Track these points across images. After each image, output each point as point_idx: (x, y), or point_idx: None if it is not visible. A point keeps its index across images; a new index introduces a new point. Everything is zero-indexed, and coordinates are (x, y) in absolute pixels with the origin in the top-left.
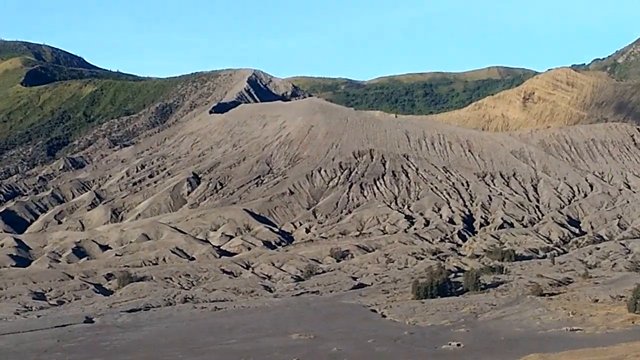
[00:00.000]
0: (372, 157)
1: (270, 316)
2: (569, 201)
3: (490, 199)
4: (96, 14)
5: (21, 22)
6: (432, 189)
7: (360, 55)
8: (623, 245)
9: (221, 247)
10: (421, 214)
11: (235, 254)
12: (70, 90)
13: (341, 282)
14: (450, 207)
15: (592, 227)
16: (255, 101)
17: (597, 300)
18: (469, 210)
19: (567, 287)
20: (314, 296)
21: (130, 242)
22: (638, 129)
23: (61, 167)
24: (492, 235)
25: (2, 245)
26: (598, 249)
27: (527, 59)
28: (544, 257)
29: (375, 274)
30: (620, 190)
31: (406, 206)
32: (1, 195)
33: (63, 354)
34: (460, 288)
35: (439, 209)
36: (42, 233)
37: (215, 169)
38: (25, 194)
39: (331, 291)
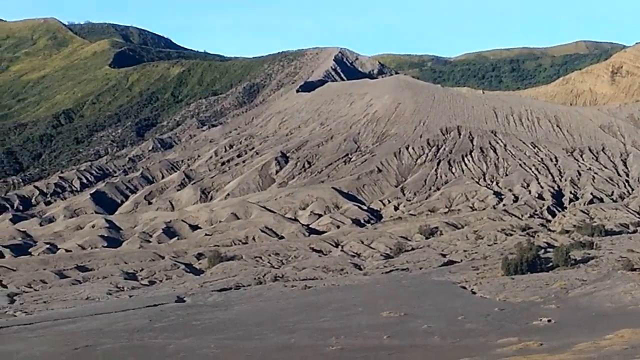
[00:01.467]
0: (459, 134)
1: (360, 294)
2: None
3: (579, 174)
4: None
5: (109, 4)
6: (520, 164)
7: (446, 32)
8: None
9: (310, 226)
10: (510, 190)
11: (324, 232)
12: (158, 72)
13: (430, 259)
14: (539, 183)
15: None
16: (342, 79)
17: None
18: (558, 186)
19: None
20: (404, 273)
21: (220, 221)
22: None
23: (150, 148)
24: (582, 211)
25: (93, 227)
26: None
27: (615, 32)
28: (635, 231)
29: (464, 251)
30: None
31: (495, 182)
32: (91, 176)
33: (155, 333)
34: (550, 264)
35: (528, 185)
36: (132, 214)
37: (303, 147)
38: (115, 175)
39: (420, 268)
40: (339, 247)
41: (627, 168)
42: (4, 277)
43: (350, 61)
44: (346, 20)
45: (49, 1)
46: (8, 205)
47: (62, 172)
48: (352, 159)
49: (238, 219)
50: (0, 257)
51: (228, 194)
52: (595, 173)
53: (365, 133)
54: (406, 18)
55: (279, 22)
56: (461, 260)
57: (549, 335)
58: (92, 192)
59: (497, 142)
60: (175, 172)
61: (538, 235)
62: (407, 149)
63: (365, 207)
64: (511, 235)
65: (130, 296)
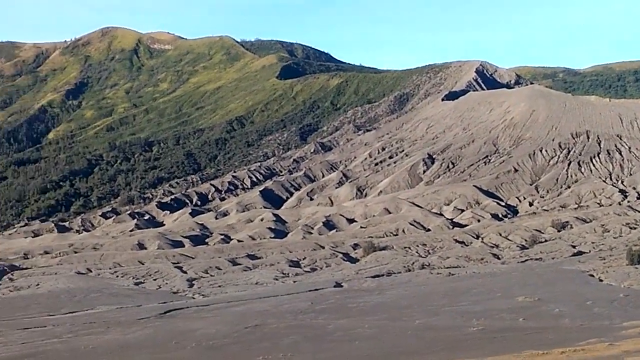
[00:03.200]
0: (588, 138)
1: (498, 281)
2: None
3: None
4: (340, 15)
5: (276, 23)
6: None
7: (576, 46)
8: None
9: (454, 220)
10: (634, 188)
11: (466, 225)
12: (319, 83)
13: (561, 250)
14: None
15: None
16: (483, 89)
17: None
18: None
19: None
20: (537, 263)
21: (373, 215)
22: None
23: (312, 150)
24: None
25: (262, 220)
26: None
27: None
28: None
29: (592, 243)
30: None
31: (620, 181)
32: (260, 175)
33: (316, 315)
34: None
35: None
36: (296, 208)
37: (447, 150)
38: (281, 174)
39: (552, 258)
40: (480, 238)
41: None
42: (184, 264)
43: (490, 73)
44: (487, 35)
45: (223, 20)
46: (188, 201)
47: (234, 172)
48: (491, 160)
49: (389, 213)
50: (181, 247)
51: (381, 191)
52: None
53: (503, 137)
54: (541, 33)
55: (427, 38)
56: (589, 251)
57: None
58: (261, 189)
59: (622, 145)
60: (334, 171)
61: None
62: (541, 151)
63: (503, 203)
64: (635, 228)
65: (294, 281)
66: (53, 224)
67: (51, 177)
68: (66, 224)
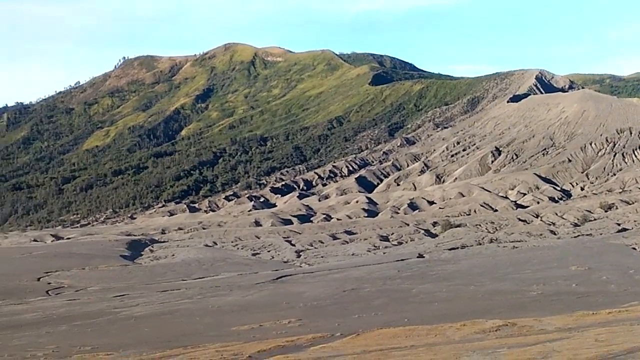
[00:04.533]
0: (631, 133)
1: (554, 253)
2: None
3: None
4: (422, 32)
5: (368, 39)
6: None
7: (622, 56)
8: None
9: (517, 202)
10: None
11: (527, 206)
12: (404, 88)
13: (608, 227)
14: None
15: None
16: (541, 93)
17: None
18: None
19: None
20: (588, 238)
21: (450, 198)
22: None
23: (398, 144)
24: None
25: (357, 202)
26: None
27: None
28: None
29: (634, 221)
30: None
31: None
32: (356, 165)
33: (402, 280)
34: None
35: None
36: (385, 192)
37: (511, 143)
38: (372, 164)
39: (600, 234)
40: (539, 217)
41: None
42: (293, 238)
43: (547, 79)
44: (545, 48)
45: (325, 36)
46: (295, 186)
47: (334, 162)
48: (548, 152)
49: (463, 196)
50: (290, 224)
51: (456, 178)
52: None
53: (559, 133)
54: (591, 45)
55: (494, 51)
56: (632, 228)
57: None
58: (356, 176)
59: None
60: (417, 162)
61: None
62: (591, 144)
63: (559, 188)
64: None
65: (384, 253)
66: (185, 205)
67: (183, 167)
68: (196, 205)
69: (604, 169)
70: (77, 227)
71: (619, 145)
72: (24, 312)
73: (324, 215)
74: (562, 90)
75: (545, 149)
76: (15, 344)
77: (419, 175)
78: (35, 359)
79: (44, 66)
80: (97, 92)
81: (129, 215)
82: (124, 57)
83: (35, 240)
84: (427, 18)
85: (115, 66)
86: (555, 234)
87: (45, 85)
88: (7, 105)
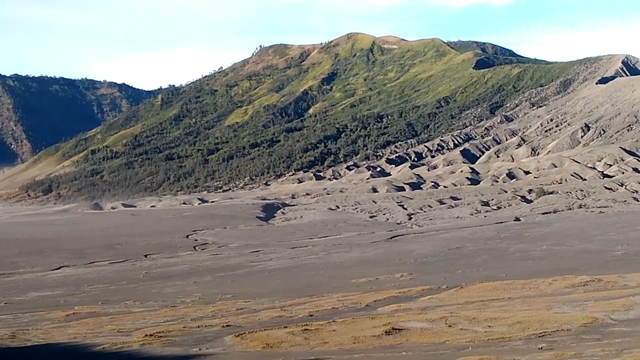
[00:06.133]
0: None
1: (637, 217)
2: None
3: None
4: (520, 20)
5: (473, 27)
6: None
7: None
8: None
9: (604, 172)
10: None
11: (613, 176)
12: (504, 72)
13: None
14: None
15: None
16: (627, 75)
17: None
18: None
19: None
20: None
21: (543, 169)
22: None
23: (498, 121)
24: None
25: (461, 171)
26: None
27: None
28: None
29: None
30: None
31: None
32: (460, 139)
33: (500, 241)
34: None
35: None
36: (486, 163)
37: (599, 120)
38: (475, 138)
39: None
40: (623, 186)
41: None
42: (405, 203)
43: (633, 63)
44: (633, 35)
45: (435, 26)
46: (407, 158)
47: (442, 137)
48: (632, 128)
49: (555, 167)
50: (402, 190)
51: (549, 151)
52: None
53: None
54: None
55: (585, 36)
56: None
57: None
58: (461, 149)
59: None
60: (515, 137)
61: None
62: None
63: None
64: None
65: (485, 216)
66: (312, 174)
67: (311, 141)
68: (321, 173)
69: None
70: (219, 192)
71: None
72: (175, 265)
73: (432, 183)
74: None
75: (630, 125)
76: (169, 291)
77: (516, 149)
78: (184, 304)
79: (193, 52)
80: (237, 75)
81: (264, 182)
82: (260, 46)
83: (184, 203)
84: (525, 10)
85: (252, 53)
86: (638, 200)
87: (194, 69)
88: (160, 87)
